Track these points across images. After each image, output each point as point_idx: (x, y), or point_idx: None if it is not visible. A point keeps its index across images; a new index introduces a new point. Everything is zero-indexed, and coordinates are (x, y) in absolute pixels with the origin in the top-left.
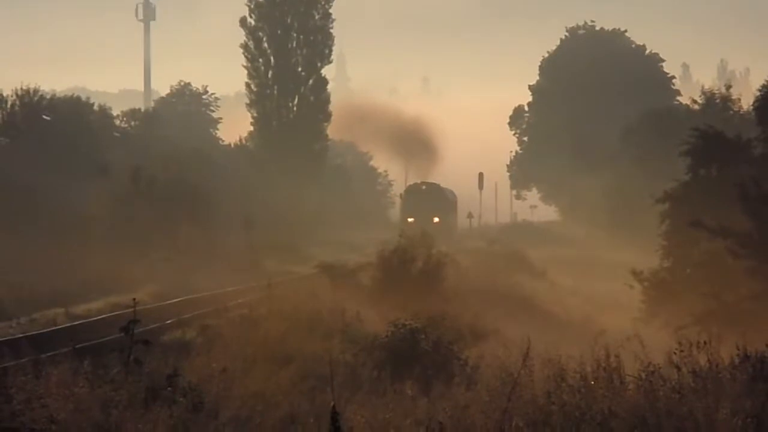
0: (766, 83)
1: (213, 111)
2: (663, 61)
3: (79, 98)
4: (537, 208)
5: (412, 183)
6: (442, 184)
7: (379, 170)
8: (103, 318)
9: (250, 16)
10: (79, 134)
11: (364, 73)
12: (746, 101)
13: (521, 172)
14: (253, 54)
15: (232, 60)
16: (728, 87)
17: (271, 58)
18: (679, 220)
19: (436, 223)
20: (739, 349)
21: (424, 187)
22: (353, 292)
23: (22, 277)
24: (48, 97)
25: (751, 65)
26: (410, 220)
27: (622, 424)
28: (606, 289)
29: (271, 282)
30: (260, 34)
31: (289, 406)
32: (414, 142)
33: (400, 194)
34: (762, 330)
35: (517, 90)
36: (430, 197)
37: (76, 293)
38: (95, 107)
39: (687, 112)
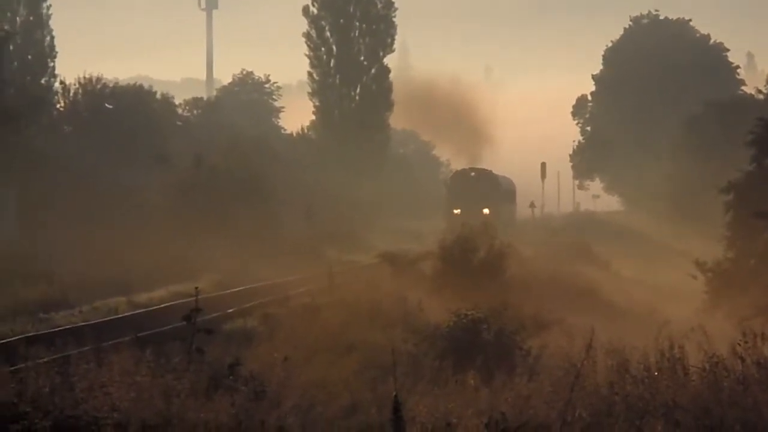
0: None
1: (275, 100)
2: (727, 50)
3: (141, 87)
4: (600, 198)
5: (459, 169)
6: (499, 172)
7: (442, 159)
8: (164, 306)
9: (313, 5)
10: (142, 123)
11: (426, 62)
12: None
13: (584, 161)
14: (315, 43)
15: (294, 49)
16: None
17: (334, 47)
18: (743, 211)
19: (487, 215)
20: None
21: (473, 173)
22: (414, 281)
23: (85, 266)
24: (111, 85)
25: None
26: (456, 211)
27: (686, 416)
28: (669, 279)
29: (332, 271)
30: (323, 23)
31: (350, 395)
32: (474, 130)
33: (445, 181)
34: None
35: (580, 80)
36: (480, 185)
37: (138, 282)
38: (158, 96)
39: (752, 101)
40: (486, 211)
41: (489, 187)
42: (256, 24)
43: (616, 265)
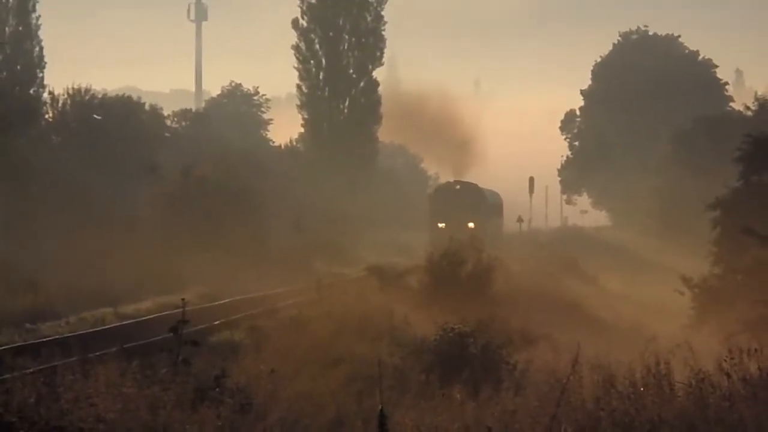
0: None
1: (264, 112)
2: (716, 66)
3: (130, 98)
4: (588, 213)
5: (443, 182)
6: (486, 185)
7: (430, 173)
8: (151, 318)
9: (302, 18)
10: (130, 134)
11: (415, 75)
12: None
13: (572, 176)
14: (304, 56)
15: (283, 61)
16: None
17: (323, 60)
18: (730, 227)
19: (472, 229)
20: None
21: (458, 186)
22: (402, 294)
23: (72, 277)
24: (99, 96)
25: None
26: (440, 225)
27: (672, 431)
28: (656, 294)
29: (320, 284)
30: (312, 35)
31: (336, 408)
32: (462, 143)
33: (429, 195)
34: None
35: (569, 95)
36: (465, 199)
37: (125, 293)
38: (146, 107)
39: (740, 118)
40: (471, 225)
41: (474, 200)
42: (246, 36)
43: (603, 280)
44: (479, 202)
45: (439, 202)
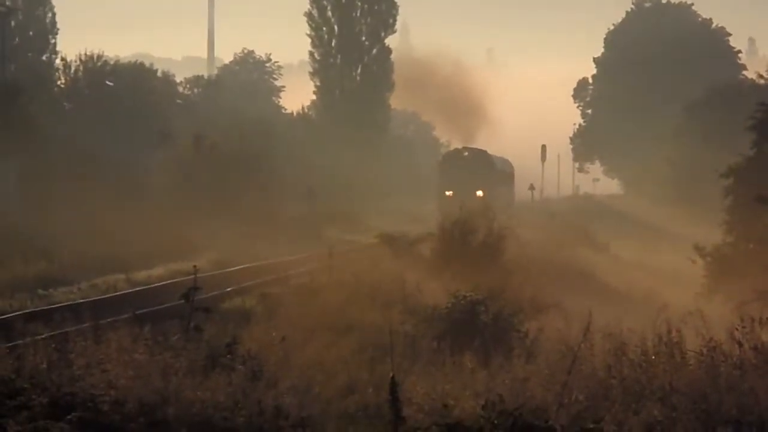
0: None
1: (276, 79)
2: (729, 35)
3: (142, 65)
4: (599, 181)
5: (452, 149)
6: (498, 153)
7: (442, 140)
8: (163, 285)
9: None
10: (142, 101)
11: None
12: None
13: (584, 144)
14: (317, 22)
15: (296, 28)
16: None
17: (335, 27)
18: (743, 195)
19: (480, 197)
20: None
21: (466, 153)
22: (413, 262)
23: (84, 243)
24: (112, 63)
25: None
26: (448, 193)
27: (683, 400)
28: (668, 263)
29: (332, 251)
30: (324, 2)
31: (348, 375)
32: (474, 111)
33: (438, 162)
34: None
35: (582, 62)
36: (474, 166)
37: (137, 259)
38: (159, 74)
39: (753, 86)
40: (479, 193)
41: (483, 168)
42: (258, 3)
43: (615, 248)
44: (488, 169)
45: (446, 170)
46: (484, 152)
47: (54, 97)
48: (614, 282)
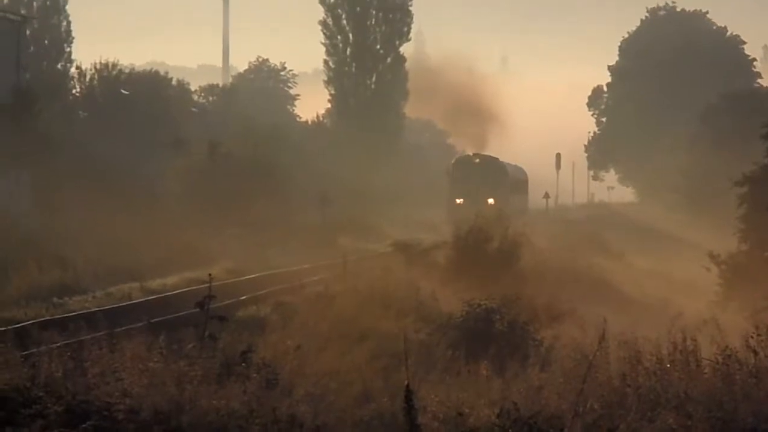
0: None
1: (290, 87)
2: (744, 43)
3: (157, 73)
4: (614, 189)
5: (462, 155)
6: (513, 161)
7: (457, 148)
8: (178, 293)
9: None
10: (157, 109)
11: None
12: None
13: (599, 152)
14: (331, 31)
15: (310, 37)
16: None
17: (350, 35)
18: (758, 203)
19: (492, 205)
20: None
21: (477, 160)
22: (428, 270)
23: (99, 251)
24: (127, 71)
25: None
26: (458, 201)
27: (698, 408)
28: (683, 271)
29: (346, 259)
30: (339, 11)
31: (362, 384)
32: (489, 119)
33: (447, 169)
34: None
35: (596, 71)
36: (485, 173)
37: (152, 268)
38: (173, 82)
39: (767, 94)
40: (491, 201)
41: (495, 174)
42: (273, 11)
43: (630, 256)
44: (500, 176)
45: (457, 177)
46: (495, 159)
47: (69, 105)
48: (629, 290)
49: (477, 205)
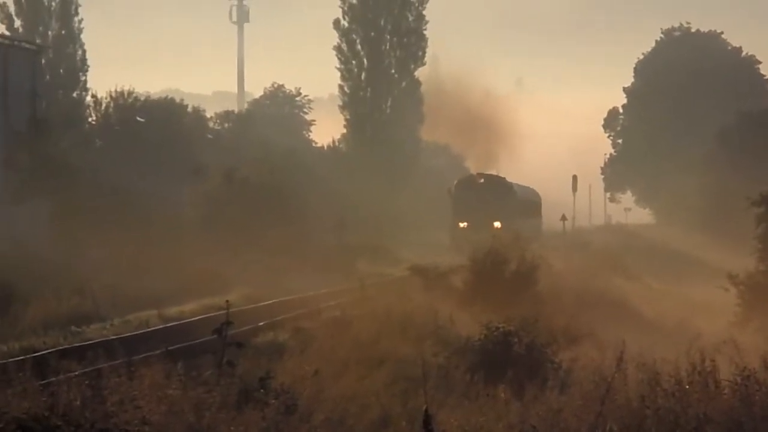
0: None
1: (306, 113)
2: (759, 62)
3: (173, 100)
4: (631, 210)
5: (465, 175)
6: (526, 183)
7: (473, 172)
8: (195, 320)
9: (344, 18)
10: (173, 136)
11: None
12: None
13: (615, 174)
14: (346, 56)
15: (325, 62)
16: None
17: (365, 60)
18: None
19: (497, 229)
20: None
21: (481, 180)
22: (445, 294)
23: (116, 279)
24: (142, 99)
25: None
26: (462, 225)
27: (718, 429)
28: (701, 292)
29: (363, 284)
30: (353, 36)
31: (381, 408)
32: (504, 141)
33: (448, 189)
34: None
35: (612, 92)
36: (491, 194)
37: (169, 295)
38: (189, 109)
39: None
40: (497, 224)
41: (501, 196)
42: (287, 37)
43: (648, 277)
44: (507, 198)
45: (460, 198)
46: (502, 179)
47: (85, 133)
48: (647, 311)
49: (482, 229)
